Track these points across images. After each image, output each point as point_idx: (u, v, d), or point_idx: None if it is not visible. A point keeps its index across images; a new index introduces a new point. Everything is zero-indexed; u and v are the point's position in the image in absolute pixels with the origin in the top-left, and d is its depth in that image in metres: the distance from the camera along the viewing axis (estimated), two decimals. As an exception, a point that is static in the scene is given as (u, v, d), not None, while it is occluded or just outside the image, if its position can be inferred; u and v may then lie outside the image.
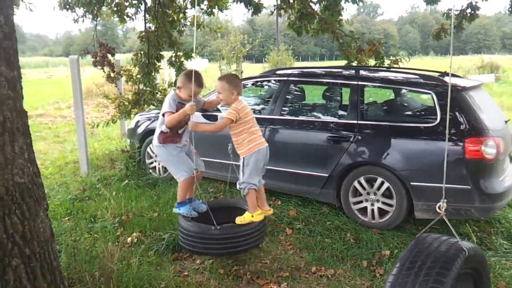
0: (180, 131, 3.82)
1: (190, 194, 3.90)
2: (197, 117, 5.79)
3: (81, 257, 3.40)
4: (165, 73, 15.69)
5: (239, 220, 3.68)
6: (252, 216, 3.66)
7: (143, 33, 7.04)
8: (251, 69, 25.61)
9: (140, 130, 6.47)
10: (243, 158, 3.65)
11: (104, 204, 4.97)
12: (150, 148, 6.31)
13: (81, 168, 6.59)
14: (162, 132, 3.75)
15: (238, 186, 3.75)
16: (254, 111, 5.77)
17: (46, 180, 6.36)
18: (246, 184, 3.65)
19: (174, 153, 3.80)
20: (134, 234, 4.26)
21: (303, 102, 5.94)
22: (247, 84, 6.00)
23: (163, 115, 3.69)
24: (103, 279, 2.97)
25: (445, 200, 2.25)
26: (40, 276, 2.16)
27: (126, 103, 7.37)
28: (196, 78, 3.61)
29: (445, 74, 5.09)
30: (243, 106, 3.62)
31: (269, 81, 5.95)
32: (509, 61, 31.83)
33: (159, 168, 6.28)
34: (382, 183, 4.51)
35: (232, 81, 3.68)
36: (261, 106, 5.94)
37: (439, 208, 2.23)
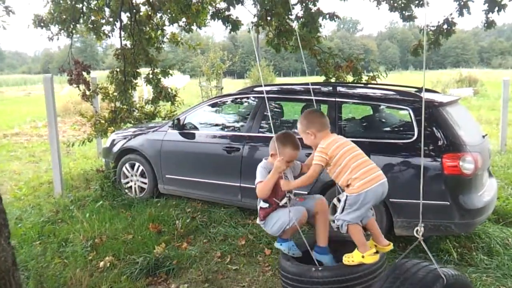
0: (282, 203, 3.15)
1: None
2: (173, 135, 5.72)
3: (50, 284, 3.23)
4: (144, 90, 15.56)
5: (346, 259, 2.88)
6: (363, 256, 2.81)
7: (119, 51, 6.95)
8: (233, 85, 25.65)
9: (115, 148, 6.32)
10: (346, 196, 2.90)
11: (77, 227, 4.80)
12: (126, 167, 6.17)
13: (55, 189, 6.39)
14: (261, 208, 3.19)
15: (332, 223, 3.05)
16: (234, 129, 5.70)
17: (19, 202, 6.18)
18: (342, 222, 2.90)
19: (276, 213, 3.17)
20: (107, 258, 4.10)
21: (281, 118, 5.89)
22: (226, 101, 5.94)
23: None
24: (70, 309, 2.82)
25: (423, 225, 2.17)
26: (-2, 310, 2.02)
27: (103, 121, 7.26)
28: (291, 139, 3.12)
29: (422, 89, 5.11)
30: (331, 141, 2.91)
31: (248, 97, 5.89)
32: (487, 75, 32.54)
33: (135, 188, 6.13)
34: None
35: (304, 119, 3.08)
36: (240, 123, 5.87)
37: (416, 232, 2.15)
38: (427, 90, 5.24)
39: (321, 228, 3.17)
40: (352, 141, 4.53)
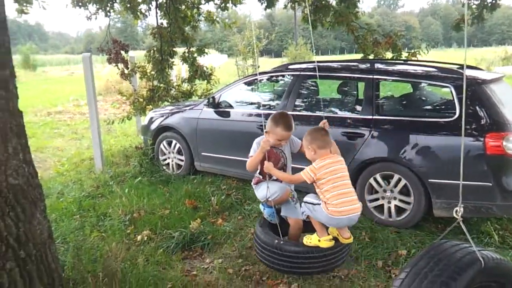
0: (273, 177, 3.40)
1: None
2: (208, 113, 5.75)
3: (87, 256, 3.35)
4: (182, 69, 15.68)
5: (306, 239, 3.17)
6: (319, 240, 3.09)
7: (155, 30, 7.00)
8: (269, 64, 25.47)
9: (153, 126, 6.43)
10: (319, 204, 3.04)
11: (116, 202, 4.94)
12: (164, 145, 6.28)
13: (96, 165, 6.59)
14: (256, 176, 3.51)
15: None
16: (265, 107, 5.67)
17: (61, 177, 6.39)
18: (307, 211, 3.17)
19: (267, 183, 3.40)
20: (144, 232, 4.21)
21: (317, 97, 5.80)
22: (261, 79, 5.90)
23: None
24: (107, 280, 2.91)
25: (462, 205, 2.08)
26: (36, 279, 2.11)
27: (141, 100, 7.37)
28: (283, 120, 3.30)
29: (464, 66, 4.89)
30: (325, 164, 3.02)
31: (282, 76, 5.83)
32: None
33: (172, 165, 6.24)
34: (399, 180, 4.36)
35: (308, 135, 3.18)
36: (275, 101, 5.83)
37: (456, 212, 2.07)
38: (470, 67, 5.03)
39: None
40: (391, 120, 4.51)
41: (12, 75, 2.06)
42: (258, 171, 3.46)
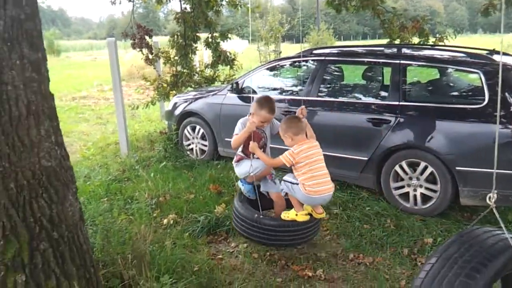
0: (255, 157, 3.64)
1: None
2: (232, 98, 5.74)
3: (116, 238, 3.41)
4: (205, 55, 15.68)
5: (284, 214, 3.50)
6: (296, 215, 3.42)
7: (179, 14, 6.99)
8: (291, 50, 25.25)
9: (177, 111, 6.47)
10: (297, 184, 3.34)
11: (142, 186, 5.01)
12: (188, 130, 6.31)
13: (121, 149, 6.67)
14: (238, 154, 3.78)
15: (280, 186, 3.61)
16: (289, 92, 5.64)
17: (87, 161, 6.50)
18: (285, 189, 3.48)
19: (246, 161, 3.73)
20: (170, 215, 4.27)
21: (341, 82, 5.74)
22: (284, 65, 5.85)
23: None
24: (136, 262, 2.96)
25: (496, 191, 2.04)
26: (68, 260, 2.16)
27: (165, 85, 7.41)
28: (268, 104, 3.56)
29: (494, 52, 4.77)
30: (303, 149, 3.30)
31: (306, 61, 5.77)
32: None
33: (196, 150, 6.28)
34: (426, 167, 4.30)
35: (283, 124, 3.46)
36: (298, 87, 5.79)
37: (489, 199, 2.04)
38: (499, 53, 4.88)
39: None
40: (418, 106, 4.43)
41: (44, 58, 2.09)
42: (241, 149, 3.74)
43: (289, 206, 3.61)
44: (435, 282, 1.87)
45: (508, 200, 3.95)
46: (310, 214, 3.45)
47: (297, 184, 3.32)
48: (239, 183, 3.82)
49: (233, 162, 3.87)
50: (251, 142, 3.50)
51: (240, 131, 3.61)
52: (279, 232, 3.38)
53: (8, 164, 1.92)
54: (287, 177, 3.45)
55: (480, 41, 33.01)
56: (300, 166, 3.30)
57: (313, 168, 3.30)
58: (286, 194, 3.51)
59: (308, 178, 3.27)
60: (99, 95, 14.13)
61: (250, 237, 3.48)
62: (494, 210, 2.03)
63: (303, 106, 3.64)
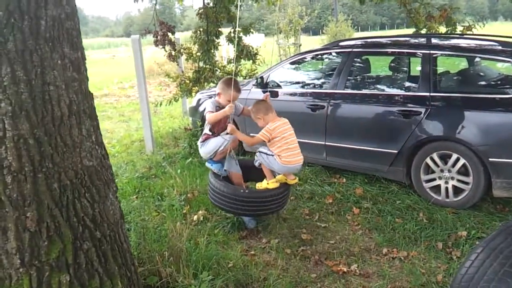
0: (222, 134, 4.07)
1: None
2: (257, 93, 5.71)
3: (150, 236, 3.43)
4: (223, 50, 15.67)
5: (258, 185, 4.01)
6: (268, 183, 3.89)
7: (202, 10, 6.97)
8: (308, 42, 25.08)
9: (202, 108, 6.46)
10: (273, 155, 3.78)
11: (170, 182, 5.03)
12: (212, 126, 6.31)
13: (147, 146, 6.71)
14: (206, 134, 4.09)
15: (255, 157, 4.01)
16: (315, 86, 5.58)
17: (113, 159, 6.54)
18: (260, 161, 3.91)
19: (214, 138, 4.09)
20: (200, 212, 4.27)
21: (368, 74, 5.66)
22: (310, 58, 5.79)
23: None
24: (172, 259, 2.97)
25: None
26: (111, 258, 2.17)
27: (187, 81, 7.40)
28: (235, 83, 3.90)
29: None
30: (277, 126, 3.75)
31: (331, 53, 5.70)
32: None
33: (221, 146, 6.27)
34: (458, 159, 4.22)
35: (253, 107, 3.91)
36: (322, 80, 5.73)
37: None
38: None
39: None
40: (449, 97, 4.33)
41: (83, 57, 2.10)
42: (209, 128, 4.06)
43: (253, 179, 4.25)
44: (479, 270, 1.85)
45: None
46: (285, 183, 3.90)
47: (273, 155, 3.76)
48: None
49: (198, 143, 4.18)
50: (229, 125, 3.85)
51: (213, 109, 3.93)
52: (257, 203, 3.79)
53: (51, 164, 1.93)
54: (262, 148, 3.88)
55: (501, 29, 32.21)
56: (276, 140, 3.74)
57: (288, 142, 3.75)
58: (260, 164, 3.93)
59: (284, 150, 3.73)
60: (120, 93, 14.24)
61: (228, 209, 3.83)
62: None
63: (267, 93, 4.17)
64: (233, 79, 3.90)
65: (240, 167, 4.13)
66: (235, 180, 4.08)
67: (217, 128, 4.07)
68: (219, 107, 3.98)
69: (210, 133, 4.08)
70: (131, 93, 13.99)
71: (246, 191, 3.80)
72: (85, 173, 2.07)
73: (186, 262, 2.97)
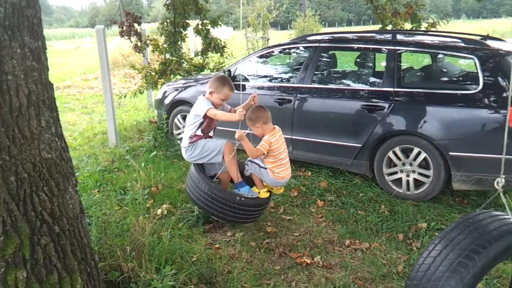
0: (211, 134, 3.95)
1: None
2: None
3: (112, 231, 3.37)
4: (190, 42, 15.50)
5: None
6: (259, 192, 3.80)
7: (169, 1, 6.87)
8: (276, 36, 25.14)
9: (167, 100, 6.38)
10: (265, 169, 3.71)
11: (133, 176, 4.94)
12: (178, 119, 6.25)
13: (110, 139, 6.57)
14: (196, 135, 3.81)
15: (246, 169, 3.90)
16: (282, 80, 5.60)
17: (75, 152, 6.38)
18: (250, 171, 3.83)
19: (205, 140, 3.87)
20: (164, 205, 4.22)
21: (335, 69, 5.72)
22: (277, 52, 5.79)
23: (204, 116, 3.71)
24: (135, 254, 2.93)
25: (504, 176, 2.06)
26: (70, 254, 2.10)
27: (153, 73, 7.30)
28: (228, 82, 3.72)
29: (487, 37, 4.79)
30: (276, 140, 3.63)
31: (298, 48, 5.72)
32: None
33: (187, 139, 6.21)
34: (419, 153, 4.33)
35: (252, 114, 3.66)
36: (289, 74, 5.75)
37: (497, 184, 2.05)
38: (493, 38, 4.91)
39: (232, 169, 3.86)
40: (412, 92, 4.43)
41: (43, 46, 2.01)
42: (198, 129, 3.77)
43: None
44: (436, 261, 1.91)
45: (508, 185, 3.98)
46: (270, 191, 3.85)
47: (265, 168, 3.68)
48: (235, 191, 3.87)
49: (184, 145, 3.86)
50: (238, 130, 3.53)
51: (210, 106, 3.66)
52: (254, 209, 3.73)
53: (8, 157, 1.85)
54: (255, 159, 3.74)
55: (464, 27, 33.20)
56: (272, 155, 3.65)
57: (281, 158, 3.68)
58: (251, 174, 3.83)
59: (277, 166, 3.67)
60: (83, 84, 13.88)
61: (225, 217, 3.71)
62: (501, 195, 2.05)
63: (255, 94, 3.89)
64: (226, 77, 3.74)
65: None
66: (223, 179, 4.02)
67: (207, 129, 3.85)
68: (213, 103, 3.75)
69: (202, 134, 3.82)
70: (94, 84, 13.65)
71: (243, 198, 3.61)
72: (44, 165, 2.00)
73: (149, 257, 2.93)
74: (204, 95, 3.83)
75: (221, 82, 3.71)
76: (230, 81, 3.77)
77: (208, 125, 3.82)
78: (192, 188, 3.74)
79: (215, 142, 3.82)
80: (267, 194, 3.81)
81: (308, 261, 3.35)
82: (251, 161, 3.77)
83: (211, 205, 3.62)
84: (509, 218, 1.96)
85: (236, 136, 3.53)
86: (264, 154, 3.61)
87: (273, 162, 3.66)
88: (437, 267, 1.89)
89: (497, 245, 1.85)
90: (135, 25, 6.83)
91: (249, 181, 3.90)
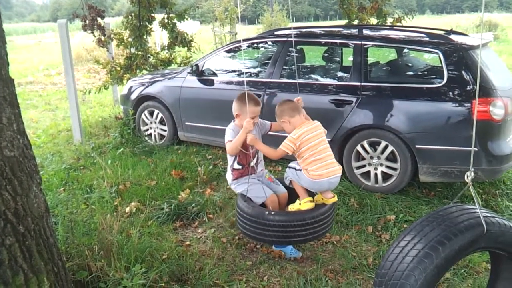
0: (252, 163, 3.39)
1: None
2: (192, 81, 5.60)
3: (79, 230, 3.28)
4: (156, 36, 15.27)
5: (290, 207, 3.29)
6: (300, 203, 3.19)
7: (133, -6, 6.73)
8: (245, 31, 25.08)
9: (133, 96, 6.26)
10: (301, 170, 3.14)
11: (100, 173, 4.84)
12: (145, 115, 6.14)
13: (75, 136, 6.41)
14: (234, 169, 3.38)
15: (285, 179, 3.38)
16: (251, 74, 5.58)
17: (38, 150, 6.19)
18: (290, 177, 3.27)
19: (252, 181, 3.33)
20: (133, 203, 4.15)
21: (303, 64, 5.74)
22: (246, 47, 5.76)
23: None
24: (103, 253, 2.86)
25: (473, 170, 2.10)
26: (36, 254, 2.04)
27: (118, 68, 7.15)
28: (251, 97, 3.21)
29: (451, 32, 4.90)
30: (302, 133, 3.08)
31: (268, 42, 5.71)
32: (507, 20, 31.22)
33: (155, 135, 6.12)
34: (386, 146, 4.39)
35: (277, 109, 3.25)
36: (258, 68, 5.73)
37: (466, 177, 2.09)
38: (457, 33, 5.03)
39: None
40: (379, 86, 4.49)
41: (3, 41, 1.93)
42: (234, 161, 3.35)
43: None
44: (403, 251, 1.96)
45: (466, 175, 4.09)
46: (323, 204, 3.19)
47: (301, 170, 3.13)
48: (275, 249, 3.45)
49: (230, 181, 3.43)
50: (249, 134, 3.11)
51: (233, 137, 3.21)
52: (287, 227, 3.01)
53: (-34, 155, 1.77)
54: (292, 163, 3.27)
55: (428, 22, 34.02)
56: (302, 151, 3.09)
57: (315, 152, 3.08)
58: (291, 182, 3.30)
59: (311, 163, 3.08)
60: (46, 80, 13.48)
61: (260, 237, 3.13)
62: (471, 188, 2.09)
63: (299, 97, 3.45)
64: (246, 93, 3.14)
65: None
66: (283, 201, 3.44)
67: (245, 160, 3.35)
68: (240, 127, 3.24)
69: (240, 167, 3.36)
70: (58, 80, 13.27)
71: (272, 213, 3.03)
72: (6, 164, 1.92)
73: (118, 256, 2.87)
74: (233, 121, 3.39)
75: (242, 100, 3.21)
76: (251, 95, 3.26)
77: (244, 156, 3.34)
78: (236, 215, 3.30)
79: (258, 191, 3.27)
80: (310, 205, 3.15)
81: (280, 255, 3.35)
82: (289, 167, 3.26)
83: (245, 225, 3.13)
84: (477, 211, 2.00)
85: (248, 140, 3.12)
86: (288, 153, 3.12)
87: (306, 159, 3.09)
88: (404, 256, 1.93)
89: (462, 237, 1.90)
90: (98, 18, 6.65)
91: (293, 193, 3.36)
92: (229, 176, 3.44)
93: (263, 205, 3.26)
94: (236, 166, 3.36)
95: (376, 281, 2.00)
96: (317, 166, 3.07)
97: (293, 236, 3.04)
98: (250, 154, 3.34)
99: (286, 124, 3.19)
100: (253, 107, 3.21)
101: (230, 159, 3.37)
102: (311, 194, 3.24)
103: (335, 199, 3.24)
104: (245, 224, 3.10)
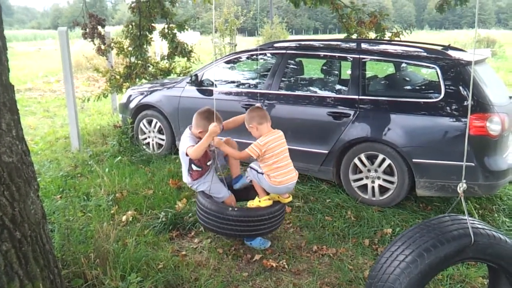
0: (209, 163, 3.61)
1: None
2: (191, 91, 5.62)
3: (75, 237, 3.27)
4: (156, 46, 15.34)
5: (249, 203, 3.65)
6: (259, 201, 3.54)
7: (134, 4, 6.77)
8: (245, 42, 25.21)
9: (132, 104, 6.27)
10: (262, 174, 3.44)
11: (97, 181, 4.83)
12: (143, 124, 6.15)
13: (72, 143, 6.40)
14: (193, 171, 3.56)
15: (246, 177, 3.65)
16: (249, 86, 5.61)
17: (36, 156, 6.18)
18: (251, 177, 3.55)
19: (215, 180, 3.62)
20: (129, 212, 4.14)
21: (301, 76, 5.77)
22: (245, 58, 5.80)
23: (186, 154, 3.40)
24: (99, 261, 2.85)
25: (465, 181, 2.13)
26: (32, 260, 2.03)
27: (118, 77, 7.17)
28: (212, 115, 3.40)
29: (449, 47, 4.95)
30: (269, 141, 3.35)
31: (267, 54, 5.75)
32: (505, 36, 31.55)
33: (153, 144, 6.13)
34: (384, 160, 4.41)
35: (246, 115, 3.51)
36: (257, 80, 5.76)
37: (459, 189, 2.12)
38: (455, 49, 5.08)
39: (234, 165, 3.75)
40: (377, 100, 4.52)
41: (4, 47, 1.94)
42: (191, 164, 3.51)
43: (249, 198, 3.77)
44: (393, 254, 2.04)
45: (470, 191, 4.10)
46: (278, 201, 3.58)
47: (262, 174, 3.42)
48: (247, 243, 3.69)
49: (189, 182, 3.63)
50: (215, 138, 3.35)
51: (193, 141, 3.40)
52: (249, 222, 3.37)
53: (-35, 160, 1.77)
54: (253, 164, 3.53)
55: (427, 37, 34.27)
56: (266, 158, 3.38)
57: (278, 160, 3.39)
58: (251, 181, 3.58)
59: (273, 170, 3.39)
60: (45, 87, 13.49)
61: (220, 230, 3.44)
62: (462, 200, 2.12)
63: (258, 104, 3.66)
64: (207, 109, 3.46)
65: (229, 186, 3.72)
66: (232, 203, 3.71)
67: (203, 159, 3.54)
68: (199, 139, 3.41)
69: (200, 169, 3.56)
70: (57, 87, 13.29)
71: (235, 209, 3.37)
72: (4, 169, 1.92)
73: (113, 264, 2.86)
74: (189, 128, 3.61)
75: (206, 118, 3.45)
76: (212, 113, 3.43)
77: (204, 158, 3.53)
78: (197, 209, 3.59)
79: (220, 190, 3.62)
80: (269, 203, 3.50)
81: (274, 265, 3.35)
82: (251, 167, 3.52)
83: (207, 220, 3.42)
84: (471, 223, 2.02)
85: (214, 143, 3.38)
86: (253, 156, 3.37)
87: (269, 165, 3.38)
88: (392, 260, 2.01)
89: (449, 246, 1.95)
90: (99, 27, 6.69)
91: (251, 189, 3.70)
92: (186, 178, 3.63)
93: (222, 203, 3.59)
94: (195, 168, 3.56)
95: (367, 282, 2.11)
96: (278, 173, 3.39)
97: (253, 230, 3.41)
98: (210, 155, 3.58)
99: (253, 129, 3.45)
100: (218, 124, 3.37)
101: (185, 163, 3.55)
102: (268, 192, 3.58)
103: (290, 198, 3.66)
104: (207, 219, 3.40)
